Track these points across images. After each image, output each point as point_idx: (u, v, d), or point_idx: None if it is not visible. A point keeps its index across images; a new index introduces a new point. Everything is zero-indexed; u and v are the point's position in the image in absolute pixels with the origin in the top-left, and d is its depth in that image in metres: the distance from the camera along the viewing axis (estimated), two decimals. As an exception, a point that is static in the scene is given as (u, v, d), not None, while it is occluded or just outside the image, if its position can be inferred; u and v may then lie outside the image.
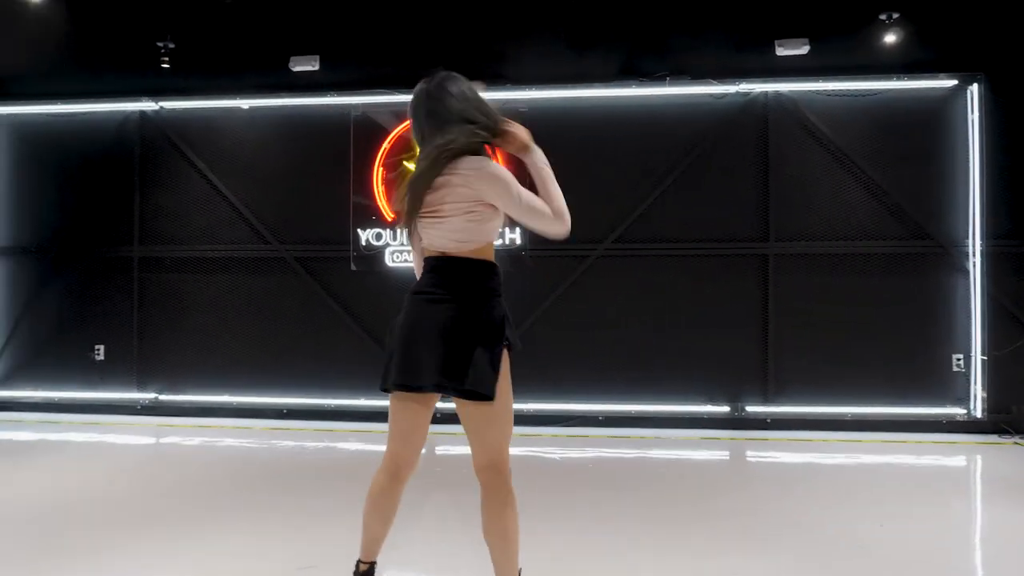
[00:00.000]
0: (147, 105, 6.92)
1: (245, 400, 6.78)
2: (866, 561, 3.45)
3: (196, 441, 6.13)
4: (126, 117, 6.99)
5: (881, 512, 4.20)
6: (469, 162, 2.50)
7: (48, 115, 7.08)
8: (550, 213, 2.55)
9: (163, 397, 6.91)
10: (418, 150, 2.62)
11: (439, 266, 2.56)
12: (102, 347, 7.04)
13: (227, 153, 6.90)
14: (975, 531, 4.19)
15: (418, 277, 2.67)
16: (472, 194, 2.49)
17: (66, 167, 7.06)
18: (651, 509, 4.26)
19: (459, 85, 2.58)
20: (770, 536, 3.80)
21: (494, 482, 2.51)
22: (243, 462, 5.45)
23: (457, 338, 2.47)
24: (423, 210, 2.54)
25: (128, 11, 6.92)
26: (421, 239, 2.63)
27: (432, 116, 2.56)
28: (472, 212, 2.51)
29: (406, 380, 2.48)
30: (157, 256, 6.98)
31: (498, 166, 2.51)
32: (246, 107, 6.86)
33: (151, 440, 6.20)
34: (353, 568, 2.73)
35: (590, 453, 5.70)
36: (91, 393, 6.99)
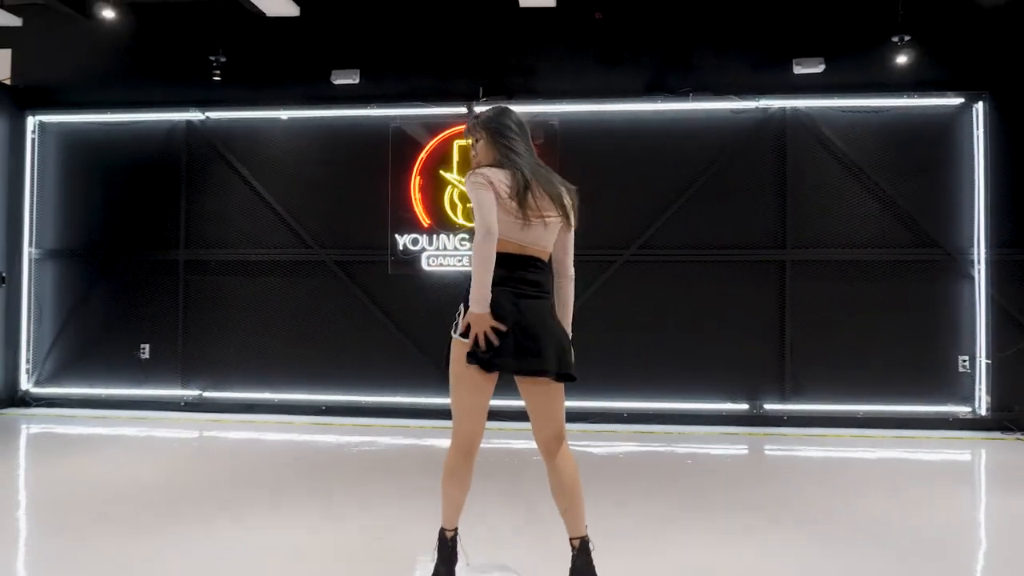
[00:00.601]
0: (194, 115, 7.27)
1: (286, 397, 7.11)
2: (888, 544, 3.81)
3: (244, 435, 6.46)
4: (173, 126, 7.34)
5: (896, 501, 4.57)
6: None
7: (97, 123, 7.42)
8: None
9: (207, 394, 7.24)
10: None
11: (540, 266, 2.91)
12: (147, 346, 7.37)
13: (270, 161, 7.25)
14: (986, 517, 4.55)
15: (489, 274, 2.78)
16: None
17: (114, 174, 7.40)
18: (691, 498, 4.62)
19: None
20: (795, 520, 4.16)
21: (564, 447, 2.98)
22: (293, 455, 5.79)
23: (559, 329, 2.93)
24: (536, 213, 2.86)
25: (175, 25, 7.29)
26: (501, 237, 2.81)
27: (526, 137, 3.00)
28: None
29: (531, 366, 2.83)
30: (202, 259, 7.31)
31: None
32: (285, 117, 7.21)
33: (203, 433, 6.53)
34: (437, 537, 3.06)
35: (621, 448, 6.06)
36: (137, 390, 7.32)
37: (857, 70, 6.67)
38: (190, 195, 7.34)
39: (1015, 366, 6.43)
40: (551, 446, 2.97)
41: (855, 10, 6.57)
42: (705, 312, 6.78)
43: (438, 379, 6.19)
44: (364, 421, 6.86)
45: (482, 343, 2.76)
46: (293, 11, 6.81)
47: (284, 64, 7.24)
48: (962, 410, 6.51)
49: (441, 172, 6.98)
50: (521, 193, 2.81)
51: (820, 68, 6.62)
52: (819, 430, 6.52)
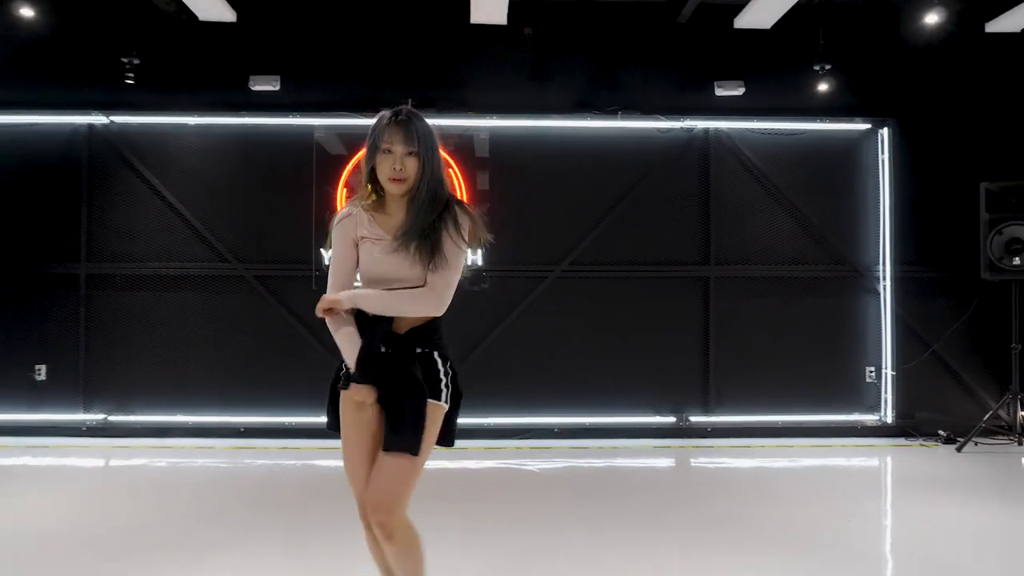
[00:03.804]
0: (96, 118, 6.76)
1: (201, 420, 6.74)
2: (816, 549, 4.01)
3: (165, 462, 6.08)
4: (74, 130, 6.80)
5: (820, 507, 4.81)
6: None
7: (-16, 125, 6.79)
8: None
9: (112, 417, 6.76)
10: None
11: None
12: (44, 367, 6.80)
13: (183, 171, 6.83)
14: (897, 516, 4.87)
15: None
16: None
17: (5, 180, 6.79)
18: (633, 518, 4.70)
19: None
20: (729, 531, 4.31)
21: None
22: (224, 482, 5.49)
23: None
24: None
25: (76, 23, 6.76)
26: None
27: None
28: None
29: None
30: (107, 273, 6.81)
31: None
32: (194, 123, 6.82)
33: (110, 461, 6.10)
34: None
35: (559, 464, 6.08)
36: (32, 415, 6.74)
37: (774, 94, 6.96)
38: (92, 204, 6.82)
39: (916, 377, 6.89)
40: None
41: (774, 36, 6.84)
42: (633, 327, 6.90)
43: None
44: (291, 443, 6.58)
45: None
46: (229, 16, 6.42)
47: (198, 68, 6.84)
48: (870, 418, 6.92)
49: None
50: None
51: (740, 91, 6.87)
52: (742, 440, 6.78)
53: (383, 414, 2.61)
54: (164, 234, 6.83)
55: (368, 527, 2.64)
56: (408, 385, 2.57)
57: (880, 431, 6.90)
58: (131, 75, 6.26)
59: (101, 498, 5.11)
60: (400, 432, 2.54)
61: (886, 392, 6.90)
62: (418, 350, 2.63)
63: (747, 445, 6.66)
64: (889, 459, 6.42)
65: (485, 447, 6.46)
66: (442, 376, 2.67)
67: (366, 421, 2.62)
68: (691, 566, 3.86)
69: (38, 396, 6.79)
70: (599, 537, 4.26)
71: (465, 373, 7.22)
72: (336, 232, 2.68)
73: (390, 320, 2.59)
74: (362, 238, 2.63)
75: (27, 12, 6.03)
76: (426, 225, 2.57)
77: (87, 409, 6.78)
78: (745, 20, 6.31)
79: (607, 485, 5.56)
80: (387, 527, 2.54)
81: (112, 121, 6.78)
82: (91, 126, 6.80)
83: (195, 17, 6.49)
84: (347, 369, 2.59)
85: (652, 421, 6.86)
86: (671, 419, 6.87)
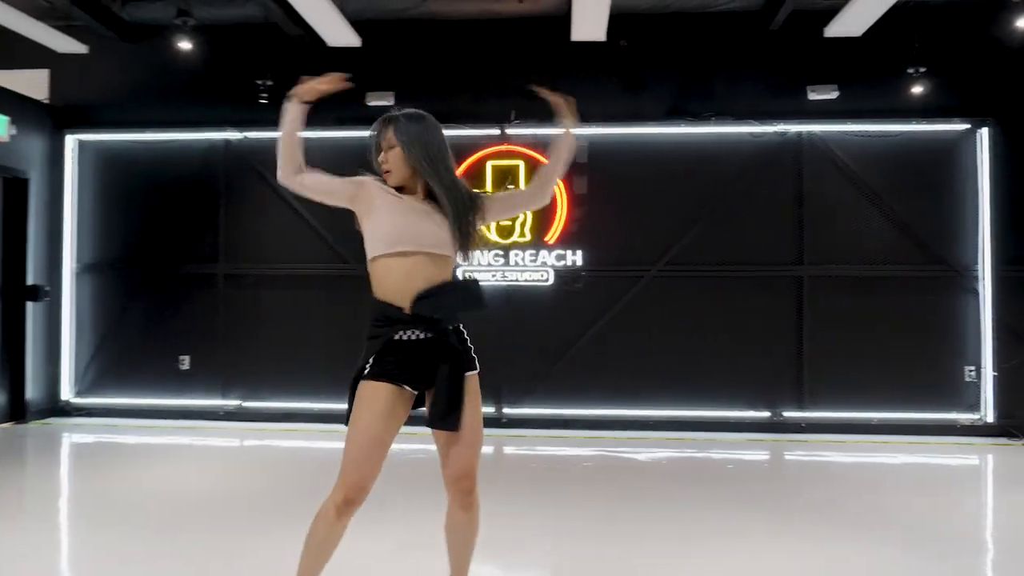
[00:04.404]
0: (232, 135, 7.53)
1: (324, 406, 7.37)
2: (917, 540, 4.19)
3: (292, 443, 6.73)
4: (211, 145, 7.59)
5: (920, 499, 4.96)
6: None
7: (136, 142, 7.64)
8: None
9: (246, 404, 7.49)
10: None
11: None
12: (187, 358, 7.60)
13: (307, 180, 7.50)
14: (999, 512, 4.96)
15: None
16: None
17: (153, 190, 7.63)
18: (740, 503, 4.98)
19: None
20: (827, 519, 4.53)
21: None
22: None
23: None
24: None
25: (213, 49, 7.53)
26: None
27: None
28: None
29: None
30: (241, 273, 7.56)
31: None
32: (314, 137, 7.45)
33: (254, 442, 6.80)
34: None
35: (658, 454, 6.41)
36: (178, 400, 7.55)
37: (868, 97, 7.08)
38: (228, 211, 7.59)
39: (1017, 376, 6.86)
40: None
41: (866, 40, 6.95)
42: (727, 325, 7.15)
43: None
44: (406, 429, 7.11)
45: None
46: (355, 42, 7.02)
47: (321, 86, 7.50)
48: (970, 417, 6.93)
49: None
50: None
51: (834, 95, 7.02)
52: (836, 436, 6.91)
53: (410, 401, 2.79)
54: (291, 238, 7.53)
55: (344, 512, 2.69)
56: (460, 362, 2.75)
57: (980, 430, 6.90)
58: (265, 95, 6.95)
59: (240, 471, 5.77)
60: (458, 408, 2.72)
61: (986, 391, 6.90)
62: (461, 326, 2.86)
63: (841, 440, 6.80)
64: (990, 457, 6.44)
65: (585, 436, 6.86)
66: (470, 345, 2.87)
67: (398, 415, 2.76)
68: (782, 547, 4.13)
69: (183, 384, 7.59)
70: (700, 521, 4.58)
71: (566, 367, 7.60)
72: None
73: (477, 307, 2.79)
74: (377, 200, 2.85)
75: (185, 45, 6.76)
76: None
77: (225, 395, 7.53)
78: (835, 29, 6.47)
79: (705, 473, 5.85)
80: (473, 494, 2.82)
81: (245, 136, 7.54)
82: (227, 141, 7.57)
83: (323, 42, 7.14)
84: (370, 361, 2.77)
85: (747, 416, 7.09)
86: (766, 414, 7.08)
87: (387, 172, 2.91)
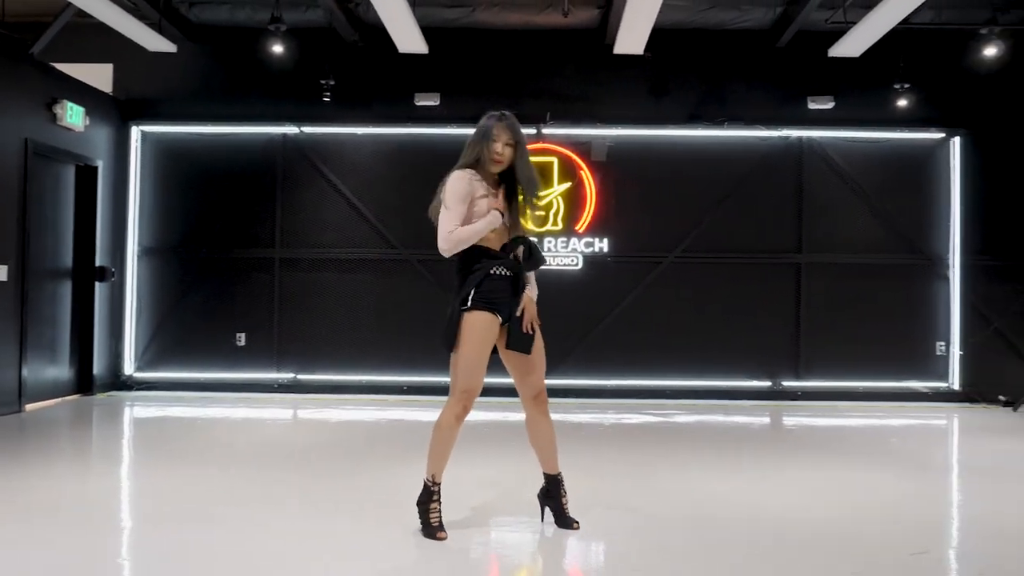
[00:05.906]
0: (289, 129, 8.18)
1: (372, 379, 8.14)
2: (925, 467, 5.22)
3: (343, 412, 7.48)
4: (270, 138, 8.23)
5: (893, 443, 6.03)
6: None
7: (198, 134, 8.23)
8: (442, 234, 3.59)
9: (300, 376, 8.20)
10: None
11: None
12: (243, 335, 8.26)
13: (357, 171, 8.23)
14: (961, 451, 6.08)
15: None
16: None
17: (214, 179, 8.25)
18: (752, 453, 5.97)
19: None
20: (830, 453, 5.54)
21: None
22: (392, 426, 6.87)
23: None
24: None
25: (267, 49, 8.14)
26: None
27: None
28: None
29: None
30: (296, 257, 8.25)
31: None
32: (360, 133, 8.20)
33: (309, 413, 7.53)
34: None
35: (680, 418, 7.36)
36: (234, 374, 8.21)
37: (860, 107, 8.11)
38: (285, 200, 8.26)
39: (981, 351, 8.02)
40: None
41: (861, 58, 7.95)
42: (734, 305, 8.14)
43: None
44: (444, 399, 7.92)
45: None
46: (423, 49, 7.67)
47: (371, 87, 8.22)
48: (939, 385, 8.08)
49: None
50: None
51: (831, 105, 8.03)
52: (828, 403, 7.97)
53: (499, 330, 3.55)
54: (343, 224, 8.24)
55: (461, 416, 3.52)
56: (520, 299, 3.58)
57: (948, 396, 8.04)
58: (328, 94, 7.63)
59: (295, 436, 6.51)
60: (531, 335, 3.56)
61: (954, 363, 8.05)
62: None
63: (833, 405, 7.87)
64: (955, 416, 7.58)
65: (607, 403, 7.78)
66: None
67: (494, 336, 3.53)
68: (789, 476, 5.10)
69: (239, 358, 8.25)
70: (724, 464, 5.53)
71: (592, 343, 8.45)
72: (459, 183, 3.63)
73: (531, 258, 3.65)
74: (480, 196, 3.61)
75: (277, 48, 7.32)
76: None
77: (279, 369, 8.23)
78: (838, 50, 7.44)
79: (720, 432, 6.82)
80: (547, 403, 3.67)
81: (302, 131, 8.20)
82: (284, 135, 8.23)
83: (376, 48, 7.84)
84: (472, 290, 3.49)
85: (750, 385, 8.11)
86: (767, 383, 8.11)
87: (498, 162, 3.66)
